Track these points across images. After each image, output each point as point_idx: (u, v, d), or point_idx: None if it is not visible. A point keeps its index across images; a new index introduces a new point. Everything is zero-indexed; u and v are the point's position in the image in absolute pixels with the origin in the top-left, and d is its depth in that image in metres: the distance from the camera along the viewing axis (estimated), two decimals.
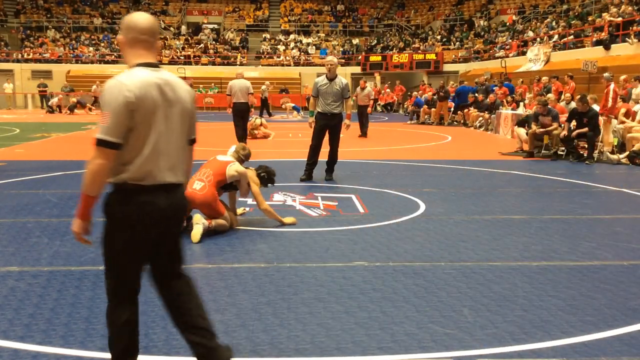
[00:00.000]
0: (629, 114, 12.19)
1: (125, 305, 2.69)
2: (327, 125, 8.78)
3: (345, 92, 8.77)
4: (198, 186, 5.57)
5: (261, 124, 16.30)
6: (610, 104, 11.73)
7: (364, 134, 16.23)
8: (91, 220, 2.58)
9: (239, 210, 6.44)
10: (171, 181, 2.62)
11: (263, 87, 25.35)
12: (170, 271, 2.82)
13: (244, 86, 12.10)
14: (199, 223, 5.43)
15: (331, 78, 8.75)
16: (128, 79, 2.49)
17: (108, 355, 3.12)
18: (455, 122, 21.30)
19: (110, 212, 2.58)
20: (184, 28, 38.21)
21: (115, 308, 2.68)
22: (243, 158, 6.09)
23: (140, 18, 2.63)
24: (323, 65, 32.98)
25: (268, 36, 38.34)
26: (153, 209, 2.58)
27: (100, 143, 2.44)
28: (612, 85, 11.99)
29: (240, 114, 12.24)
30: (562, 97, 15.55)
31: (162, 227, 2.66)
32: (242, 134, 12.53)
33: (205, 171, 5.73)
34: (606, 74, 13.13)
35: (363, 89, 17.34)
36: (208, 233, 5.51)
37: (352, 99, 8.97)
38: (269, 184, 6.25)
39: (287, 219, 6.00)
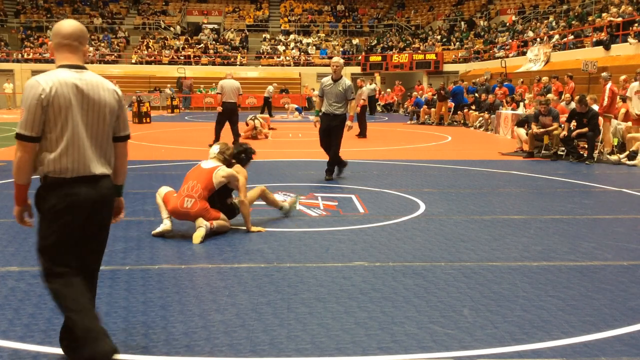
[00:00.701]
0: (629, 116, 12.18)
1: (61, 280, 2.84)
2: (330, 126, 8.83)
3: (349, 93, 8.77)
4: (189, 204, 5.51)
5: (260, 125, 16.25)
6: (605, 102, 11.74)
7: (362, 134, 16.22)
8: (28, 204, 2.87)
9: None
10: (93, 173, 2.83)
11: (271, 88, 25.45)
12: (86, 263, 2.97)
13: (234, 86, 12.66)
14: (201, 226, 5.44)
15: (336, 79, 8.78)
16: (43, 79, 2.72)
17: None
18: (455, 122, 21.30)
19: (37, 203, 2.82)
20: (178, 28, 38.13)
21: (53, 285, 2.84)
22: (229, 158, 5.96)
23: (64, 25, 2.86)
24: (323, 65, 32.90)
25: (268, 36, 38.35)
26: (74, 200, 2.78)
27: (18, 137, 2.72)
28: (609, 85, 12.00)
29: (229, 112, 12.65)
30: (562, 97, 15.55)
31: (87, 216, 2.85)
32: (236, 133, 12.78)
33: (193, 185, 5.60)
34: (604, 74, 13.12)
35: (360, 87, 17.45)
36: (211, 234, 5.51)
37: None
38: (249, 160, 6.30)
39: (254, 228, 5.79)
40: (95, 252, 3.02)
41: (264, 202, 6.32)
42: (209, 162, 5.83)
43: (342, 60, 9.10)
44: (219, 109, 12.79)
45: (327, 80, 8.89)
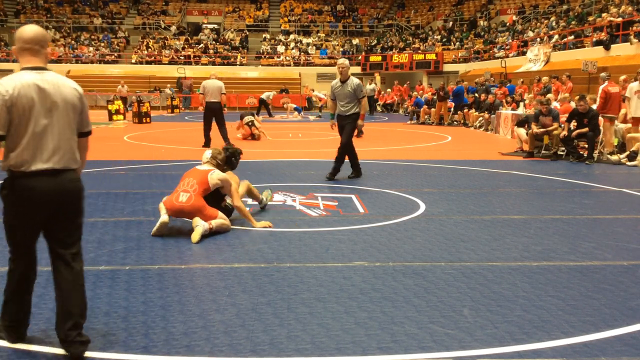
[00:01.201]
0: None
1: (21, 262, 3.18)
2: (342, 126, 8.96)
3: (359, 92, 8.81)
4: (184, 198, 5.58)
5: (254, 125, 16.06)
6: (597, 102, 11.75)
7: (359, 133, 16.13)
8: None
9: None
10: (54, 167, 3.02)
11: (270, 94, 25.86)
12: (61, 255, 3.17)
13: (217, 86, 12.91)
14: (198, 225, 5.44)
15: (344, 80, 8.83)
16: (6, 81, 2.95)
17: (108, 355, 3.13)
18: (455, 122, 21.30)
19: (1, 195, 3.07)
20: (173, 28, 38.09)
21: (13, 261, 3.19)
22: (221, 163, 6.08)
23: (25, 30, 3.08)
24: (323, 65, 32.91)
25: (268, 36, 38.35)
26: (33, 193, 3.00)
27: None
28: (603, 85, 12.01)
29: (212, 112, 12.91)
30: (559, 96, 15.57)
31: (47, 208, 3.06)
32: (224, 136, 12.99)
33: (189, 181, 5.72)
34: (602, 74, 13.13)
35: None
36: (211, 234, 5.51)
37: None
38: (238, 162, 6.40)
39: (261, 223, 5.90)
40: (65, 243, 3.17)
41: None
42: (203, 166, 5.96)
43: (347, 62, 9.13)
44: (201, 108, 13.30)
45: (336, 82, 8.96)
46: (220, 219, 5.67)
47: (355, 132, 9.10)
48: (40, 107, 2.97)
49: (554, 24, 25.44)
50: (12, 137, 2.96)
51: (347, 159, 9.00)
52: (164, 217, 5.60)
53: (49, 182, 3.02)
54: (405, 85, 29.86)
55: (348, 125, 8.87)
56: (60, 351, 3.15)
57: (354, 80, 8.82)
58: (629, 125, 11.87)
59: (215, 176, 5.77)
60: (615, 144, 11.93)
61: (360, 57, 34.11)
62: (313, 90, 30.15)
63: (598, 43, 20.21)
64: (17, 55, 3.10)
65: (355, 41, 37.69)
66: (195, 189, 5.62)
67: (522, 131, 12.70)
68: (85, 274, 4.37)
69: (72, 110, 3.09)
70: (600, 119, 11.40)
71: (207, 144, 12.65)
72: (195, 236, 5.35)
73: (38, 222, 3.10)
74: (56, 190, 3.04)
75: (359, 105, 8.85)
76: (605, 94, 11.86)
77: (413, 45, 34.41)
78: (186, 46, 36.29)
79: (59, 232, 3.15)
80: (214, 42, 37.15)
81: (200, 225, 5.42)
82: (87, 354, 3.13)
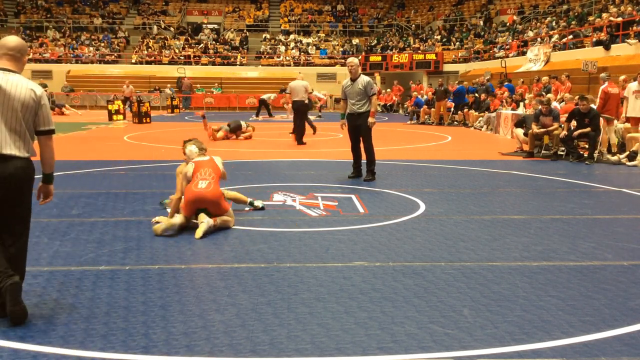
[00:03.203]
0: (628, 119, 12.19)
1: None
2: (355, 126, 8.93)
3: (369, 89, 8.80)
4: (204, 184, 5.71)
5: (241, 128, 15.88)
6: (597, 103, 11.74)
7: None
8: None
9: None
10: (1, 152, 3.38)
11: (272, 95, 25.91)
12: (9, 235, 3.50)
13: (302, 86, 14.27)
14: (203, 221, 5.49)
15: (354, 79, 8.83)
16: None
17: (108, 355, 3.13)
18: (455, 122, 21.30)
19: None
20: (155, 28, 37.97)
21: None
22: (205, 150, 6.36)
23: (9, 39, 3.56)
24: (323, 65, 32.97)
25: (268, 36, 38.35)
26: None
27: None
28: (603, 86, 12.01)
29: (298, 110, 14.30)
30: (559, 96, 15.59)
31: None
32: (302, 131, 14.32)
33: (205, 170, 5.85)
34: (603, 74, 13.13)
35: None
36: (211, 234, 5.51)
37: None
38: None
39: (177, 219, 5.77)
40: (6, 228, 3.47)
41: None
42: (202, 157, 6.08)
43: (356, 60, 9.11)
44: (288, 107, 15.33)
45: (347, 81, 8.98)
46: (227, 217, 5.73)
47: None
48: None
49: (554, 24, 25.43)
50: None
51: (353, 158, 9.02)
52: (178, 217, 5.64)
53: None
54: (397, 85, 30.02)
55: (366, 130, 8.79)
56: (60, 351, 3.15)
57: (364, 78, 8.83)
58: (629, 125, 11.86)
59: (219, 160, 6.08)
60: (615, 144, 11.93)
61: (360, 57, 34.06)
62: (312, 91, 30.12)
63: (598, 43, 20.21)
64: None
65: (355, 41, 37.68)
66: (213, 177, 5.81)
67: (520, 131, 12.71)
68: (85, 274, 4.39)
69: (23, 107, 3.44)
70: (601, 119, 11.39)
71: (300, 140, 14.20)
72: (199, 232, 5.39)
73: None
74: (1, 175, 3.39)
75: (370, 102, 8.84)
76: (605, 95, 11.86)
77: (413, 45, 34.39)
78: (186, 46, 36.29)
79: (3, 215, 3.47)
80: (214, 42, 37.14)
81: (205, 222, 5.47)
82: (88, 353, 3.13)
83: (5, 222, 3.48)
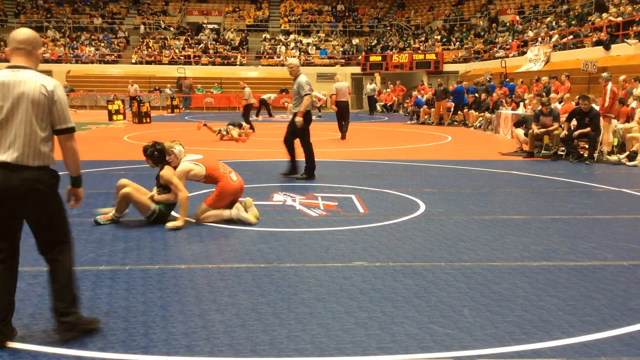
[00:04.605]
0: (628, 119, 12.19)
1: None
2: (291, 124, 9.01)
3: (301, 89, 8.86)
4: (235, 176, 6.24)
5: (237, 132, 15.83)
6: (607, 103, 11.73)
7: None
8: None
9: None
10: (5, 160, 3.03)
11: (272, 96, 25.91)
12: (41, 250, 3.25)
13: (345, 87, 16.16)
14: (251, 206, 6.12)
15: (294, 79, 9.01)
16: None
17: (108, 355, 3.13)
18: (455, 122, 21.30)
19: None
20: (142, 28, 37.88)
21: None
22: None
23: (18, 31, 3.21)
24: (323, 65, 32.85)
25: (268, 36, 38.34)
26: None
27: None
28: (609, 85, 12.00)
29: (342, 109, 15.71)
30: (559, 96, 15.58)
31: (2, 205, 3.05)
32: (346, 128, 15.71)
33: (222, 165, 6.26)
34: (604, 74, 13.12)
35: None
36: (211, 234, 5.51)
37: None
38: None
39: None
40: (40, 243, 3.22)
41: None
42: (196, 156, 6.20)
43: (296, 61, 9.31)
44: (334, 107, 16.46)
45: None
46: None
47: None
48: (1, 101, 3.05)
49: (553, 24, 25.42)
50: None
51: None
52: (247, 212, 6.08)
53: (2, 176, 3.04)
54: (399, 85, 30.09)
55: (300, 130, 8.81)
56: (60, 351, 3.15)
57: (300, 79, 8.91)
58: (629, 125, 11.86)
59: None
60: (615, 144, 11.93)
61: (360, 57, 34.09)
62: (312, 90, 30.13)
63: (598, 43, 20.20)
64: (8, 55, 3.18)
65: (355, 41, 37.66)
66: (230, 170, 6.29)
67: (520, 131, 12.71)
68: (85, 274, 4.38)
69: (33, 107, 3.07)
70: (601, 118, 11.39)
71: (343, 136, 15.55)
72: (253, 218, 6.04)
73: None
74: (5, 187, 3.04)
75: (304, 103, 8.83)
76: (613, 94, 11.85)
77: (413, 45, 34.38)
78: (186, 46, 36.28)
79: (33, 231, 3.22)
80: (214, 42, 37.14)
81: (253, 207, 6.12)
82: (88, 353, 3.13)
83: (39, 239, 3.23)
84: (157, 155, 6.01)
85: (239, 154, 11.69)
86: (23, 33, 3.19)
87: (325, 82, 32.96)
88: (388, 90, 30.91)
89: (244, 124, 15.73)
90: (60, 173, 3.30)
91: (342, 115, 15.68)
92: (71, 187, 3.37)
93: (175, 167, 6.01)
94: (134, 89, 26.28)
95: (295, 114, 8.84)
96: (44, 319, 3.57)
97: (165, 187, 5.99)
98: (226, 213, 6.06)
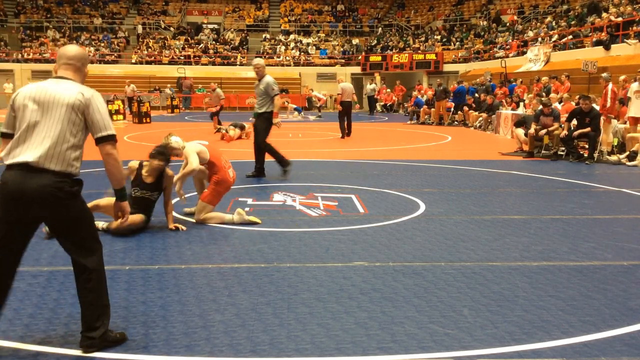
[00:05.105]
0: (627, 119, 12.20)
1: None
2: (256, 123, 9.06)
3: (270, 90, 8.84)
4: (232, 173, 6.26)
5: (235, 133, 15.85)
6: (609, 103, 11.74)
7: (344, 134, 16.45)
8: None
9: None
10: (28, 161, 2.95)
11: None
12: (74, 260, 3.15)
13: (351, 87, 16.54)
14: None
15: (259, 79, 8.94)
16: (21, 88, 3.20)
17: (108, 355, 3.13)
18: (455, 122, 21.30)
19: None
20: (139, 28, 38.00)
21: None
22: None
23: (68, 48, 3.25)
24: (323, 65, 32.89)
25: (268, 36, 38.33)
26: (3, 187, 2.99)
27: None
28: (610, 85, 12.01)
29: (346, 109, 16.08)
30: (559, 96, 15.59)
31: (16, 209, 2.98)
32: (350, 127, 16.05)
33: (223, 158, 6.29)
34: (604, 74, 13.12)
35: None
36: (211, 234, 5.50)
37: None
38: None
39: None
40: (70, 249, 3.13)
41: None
42: (201, 145, 6.19)
43: (262, 61, 9.25)
44: (339, 107, 16.41)
45: (257, 82, 9.05)
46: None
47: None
48: (32, 106, 3.04)
49: (553, 23, 25.42)
50: (15, 134, 3.07)
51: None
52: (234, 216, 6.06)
53: (17, 178, 2.95)
54: (399, 85, 30.15)
55: (260, 124, 8.92)
56: (60, 351, 3.15)
57: (267, 79, 8.88)
58: (630, 125, 11.87)
59: None
60: (615, 144, 11.93)
61: (360, 57, 34.09)
62: (312, 90, 30.13)
63: (598, 43, 20.20)
64: (56, 71, 3.20)
65: (355, 41, 37.66)
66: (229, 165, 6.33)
67: (520, 131, 12.71)
68: None
69: (67, 109, 3.02)
70: (602, 118, 11.39)
71: (343, 136, 15.91)
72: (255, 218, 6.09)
73: (10, 222, 3.01)
74: (19, 190, 2.94)
75: (272, 104, 8.87)
76: (614, 94, 11.86)
77: (413, 45, 34.38)
78: (186, 46, 36.28)
79: (58, 239, 3.17)
80: (214, 42, 37.13)
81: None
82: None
83: (64, 246, 3.16)
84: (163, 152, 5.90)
85: (239, 154, 11.69)
86: (73, 50, 3.23)
87: (325, 82, 32.98)
88: (388, 90, 30.92)
89: (246, 125, 15.72)
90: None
91: (347, 115, 16.08)
92: (115, 200, 3.27)
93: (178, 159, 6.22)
94: (130, 89, 26.03)
95: (259, 114, 8.90)
96: (44, 319, 3.57)
97: (150, 186, 5.81)
98: (227, 217, 6.05)
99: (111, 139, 3.12)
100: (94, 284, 3.12)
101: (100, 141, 3.10)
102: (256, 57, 35.80)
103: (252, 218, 6.04)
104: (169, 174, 5.83)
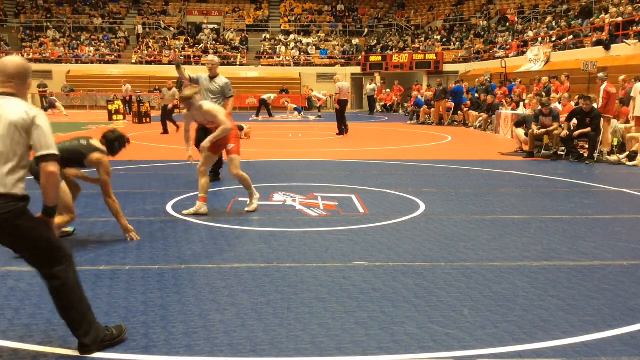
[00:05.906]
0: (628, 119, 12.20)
1: None
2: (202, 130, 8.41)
3: (227, 90, 8.66)
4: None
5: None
6: (601, 103, 11.76)
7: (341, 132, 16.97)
8: None
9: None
10: None
11: (272, 96, 25.87)
12: (41, 273, 3.13)
13: (347, 87, 17.28)
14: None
15: (212, 77, 8.69)
16: None
17: (108, 355, 3.13)
18: (455, 122, 21.31)
19: None
20: (139, 28, 37.98)
21: None
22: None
23: (7, 65, 3.09)
24: (323, 65, 32.96)
25: (268, 36, 38.34)
26: None
27: None
28: (603, 85, 12.02)
29: (342, 107, 16.77)
30: (558, 96, 15.59)
31: None
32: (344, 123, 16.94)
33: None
34: (600, 74, 13.13)
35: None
36: (211, 234, 5.51)
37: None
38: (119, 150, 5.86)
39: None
40: (36, 263, 3.09)
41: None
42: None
43: (217, 59, 9.07)
44: (337, 105, 17.08)
45: (206, 77, 8.73)
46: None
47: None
48: None
49: (553, 24, 25.43)
50: None
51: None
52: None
53: None
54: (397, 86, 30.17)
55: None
56: (60, 351, 3.15)
57: (224, 79, 8.75)
58: (629, 125, 11.86)
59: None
60: (615, 144, 11.93)
61: (360, 57, 34.09)
62: (312, 90, 30.15)
63: (598, 43, 20.20)
64: None
65: (355, 41, 37.67)
66: None
67: (520, 131, 12.71)
68: (85, 274, 4.38)
69: (11, 131, 2.96)
70: (602, 119, 11.39)
71: (341, 132, 16.58)
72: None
73: None
74: None
75: (227, 103, 8.60)
76: (607, 94, 11.86)
77: (413, 45, 34.38)
78: (186, 46, 36.28)
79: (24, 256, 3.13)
80: (214, 42, 37.13)
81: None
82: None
83: (28, 261, 3.13)
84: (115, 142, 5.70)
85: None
86: (12, 66, 3.10)
87: (325, 82, 32.96)
88: (388, 90, 30.92)
89: (245, 126, 15.71)
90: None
91: (342, 113, 16.55)
92: (41, 213, 3.12)
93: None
94: (125, 89, 25.70)
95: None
96: (44, 319, 3.57)
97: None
98: (256, 194, 6.77)
99: (52, 158, 3.04)
100: (66, 294, 3.09)
101: (41, 160, 3.02)
102: (256, 57, 35.95)
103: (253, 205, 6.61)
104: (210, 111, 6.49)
